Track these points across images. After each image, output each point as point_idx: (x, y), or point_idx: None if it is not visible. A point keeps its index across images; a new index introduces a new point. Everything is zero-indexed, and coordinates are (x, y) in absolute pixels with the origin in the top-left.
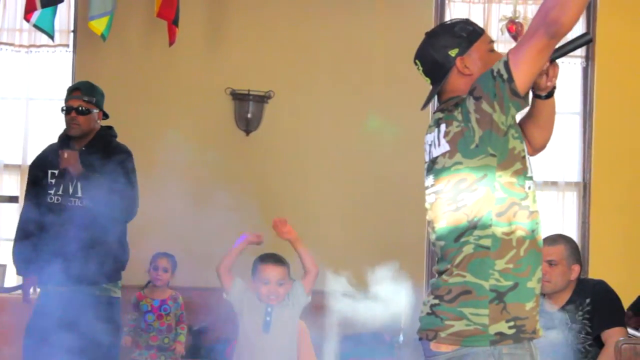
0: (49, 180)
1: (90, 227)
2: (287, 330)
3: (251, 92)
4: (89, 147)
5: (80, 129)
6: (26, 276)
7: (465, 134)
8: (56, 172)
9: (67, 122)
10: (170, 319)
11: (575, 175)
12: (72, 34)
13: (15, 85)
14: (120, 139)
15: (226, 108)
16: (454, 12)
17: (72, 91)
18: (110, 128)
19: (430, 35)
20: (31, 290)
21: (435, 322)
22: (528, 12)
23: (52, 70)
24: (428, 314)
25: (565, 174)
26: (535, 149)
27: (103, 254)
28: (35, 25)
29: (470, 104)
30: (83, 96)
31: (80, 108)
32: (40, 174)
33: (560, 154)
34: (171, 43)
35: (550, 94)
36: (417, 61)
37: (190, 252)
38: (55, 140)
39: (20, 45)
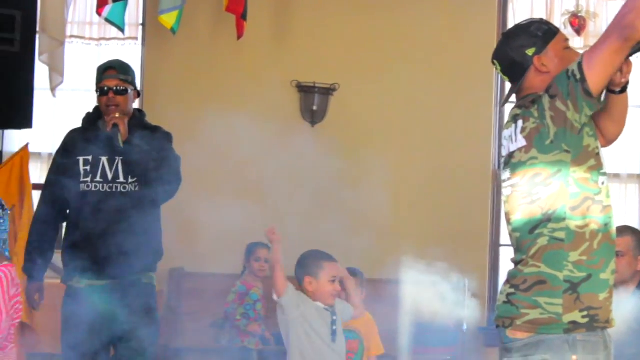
0: (82, 167)
1: (132, 213)
2: (343, 337)
3: (317, 85)
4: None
5: (119, 110)
6: (32, 280)
7: (541, 131)
8: (89, 158)
9: (104, 104)
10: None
11: (638, 168)
12: (141, 28)
13: (86, 77)
14: (187, 131)
15: (292, 100)
16: (516, 7)
17: (105, 70)
18: (141, 111)
19: (508, 36)
20: (36, 296)
21: (511, 310)
22: (590, 6)
23: None
24: (504, 302)
25: (628, 166)
26: (608, 141)
27: (145, 241)
28: (106, 19)
29: (546, 101)
30: (119, 75)
31: (117, 88)
32: (69, 162)
33: (623, 147)
34: (239, 36)
35: (623, 89)
36: (495, 61)
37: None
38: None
39: (91, 38)
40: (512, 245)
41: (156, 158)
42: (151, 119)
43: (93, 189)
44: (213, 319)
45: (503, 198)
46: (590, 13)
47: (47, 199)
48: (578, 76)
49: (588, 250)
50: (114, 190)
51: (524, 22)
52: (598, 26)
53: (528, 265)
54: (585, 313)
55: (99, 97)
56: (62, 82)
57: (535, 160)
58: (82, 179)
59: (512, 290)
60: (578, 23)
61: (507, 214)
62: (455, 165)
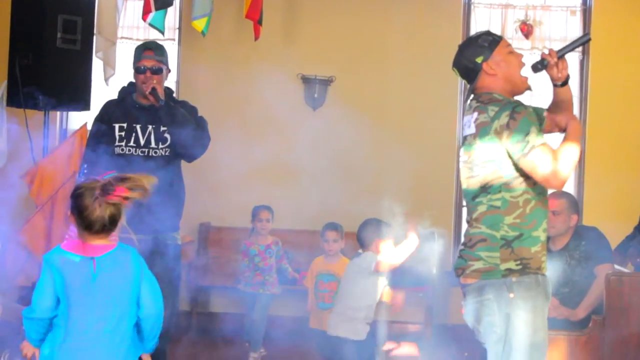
0: (117, 133)
1: (161, 176)
2: None
3: (317, 77)
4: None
5: (154, 86)
6: None
7: (487, 126)
8: (124, 124)
9: (141, 81)
10: (272, 260)
11: None
12: (177, 30)
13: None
14: (214, 114)
15: (297, 89)
16: (478, 16)
17: (144, 50)
18: (169, 88)
19: (461, 48)
20: None
21: (462, 263)
22: (537, 15)
23: None
24: (458, 257)
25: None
26: (562, 130)
27: (175, 203)
28: (150, 24)
29: (504, 119)
30: (155, 55)
31: (154, 67)
32: (105, 127)
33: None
34: (256, 38)
35: (565, 82)
36: (454, 68)
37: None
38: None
39: (137, 39)
40: (466, 206)
41: (189, 119)
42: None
43: (127, 152)
44: (233, 264)
45: (460, 170)
46: (536, 21)
47: (87, 159)
48: (521, 152)
49: (521, 214)
50: (146, 154)
51: (473, 35)
52: (542, 31)
53: (472, 226)
54: (518, 262)
55: (136, 74)
56: (113, 74)
57: (477, 147)
58: (117, 143)
59: (462, 247)
60: (526, 29)
61: (461, 184)
62: (429, 142)
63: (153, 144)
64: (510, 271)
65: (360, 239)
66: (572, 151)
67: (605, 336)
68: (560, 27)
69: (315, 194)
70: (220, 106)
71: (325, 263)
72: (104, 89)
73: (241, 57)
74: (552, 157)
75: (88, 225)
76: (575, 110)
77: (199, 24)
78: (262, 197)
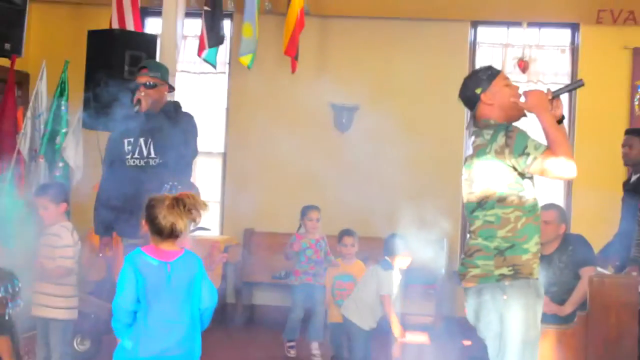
0: (125, 147)
1: (153, 182)
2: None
3: (345, 105)
4: (158, 112)
5: (150, 100)
6: (103, 235)
7: (485, 148)
8: (131, 139)
9: (137, 96)
10: (321, 254)
11: None
12: (227, 65)
13: (191, 98)
14: (256, 137)
15: (328, 115)
16: (482, 53)
17: (140, 69)
18: (176, 102)
19: (465, 80)
20: (107, 248)
21: (462, 270)
22: (532, 53)
23: (214, 88)
24: (460, 264)
25: None
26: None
27: None
28: (204, 59)
29: (501, 139)
30: (150, 72)
31: (147, 83)
32: (115, 142)
33: None
34: (293, 71)
35: (560, 122)
36: (459, 97)
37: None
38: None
39: (194, 72)
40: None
41: (172, 132)
42: (234, 127)
43: (130, 164)
44: (273, 264)
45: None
46: (531, 58)
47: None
48: (528, 162)
49: (512, 229)
50: (142, 164)
51: (476, 69)
52: (537, 66)
53: (471, 238)
54: (510, 268)
55: (136, 92)
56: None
57: (476, 166)
58: (125, 156)
59: (463, 256)
60: (523, 65)
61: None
62: (440, 161)
63: (144, 154)
64: (503, 276)
65: (389, 247)
66: (562, 142)
67: (589, 330)
68: (552, 63)
69: (340, 203)
70: (262, 128)
71: (343, 265)
72: None
73: (281, 87)
74: (554, 158)
75: (159, 231)
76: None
77: (245, 60)
78: (296, 206)
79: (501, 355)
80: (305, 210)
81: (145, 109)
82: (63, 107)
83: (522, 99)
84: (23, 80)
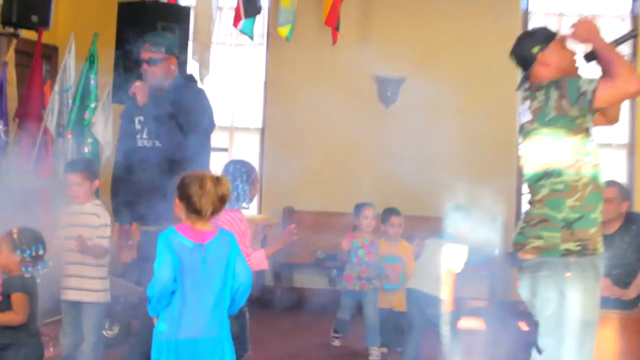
0: (136, 126)
1: (165, 166)
2: None
3: (390, 77)
4: (166, 92)
5: (154, 78)
6: (122, 223)
7: (543, 109)
8: (142, 118)
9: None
10: (375, 256)
11: (624, 138)
12: (265, 36)
13: (226, 72)
14: (295, 112)
15: (371, 88)
16: (535, 23)
17: (142, 44)
18: (189, 75)
19: (520, 38)
20: (125, 237)
21: (521, 239)
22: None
23: (251, 61)
24: (518, 233)
25: (616, 137)
26: (610, 121)
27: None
28: (241, 30)
29: (554, 94)
30: (151, 47)
31: (150, 59)
32: (126, 121)
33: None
34: (334, 42)
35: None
36: (511, 56)
37: None
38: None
39: (230, 44)
40: (528, 189)
41: (177, 113)
42: (272, 102)
43: (140, 145)
44: (314, 245)
45: (520, 155)
46: None
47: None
48: (589, 98)
49: (580, 197)
50: (145, 145)
51: (532, 29)
52: None
53: (535, 207)
54: (578, 243)
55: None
56: (207, 74)
57: (537, 131)
58: (135, 136)
59: (524, 225)
60: None
61: (522, 168)
62: (492, 133)
63: (145, 135)
64: (569, 251)
65: (453, 218)
66: (620, 61)
67: None
68: (610, 33)
69: (384, 181)
70: (302, 102)
71: (388, 246)
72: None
73: (321, 60)
74: (615, 79)
75: (195, 210)
76: (625, 103)
77: (284, 31)
78: (337, 184)
79: (558, 337)
80: (359, 208)
81: (142, 102)
82: (92, 81)
83: (571, 32)
84: (51, 54)
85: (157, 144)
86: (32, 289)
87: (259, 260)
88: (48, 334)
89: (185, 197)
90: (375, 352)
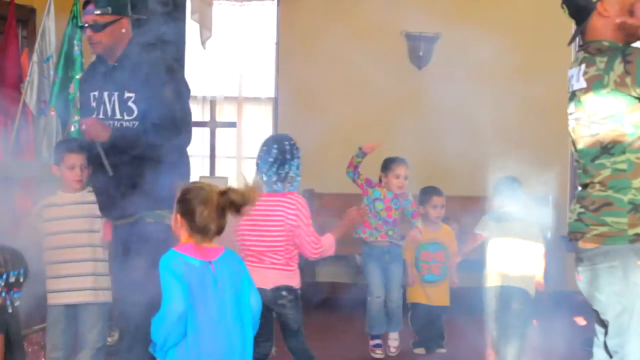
0: (91, 103)
1: (135, 148)
2: None
3: (422, 34)
4: (121, 60)
5: (102, 46)
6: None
7: (601, 79)
8: (96, 93)
9: (87, 40)
10: (397, 214)
11: None
12: None
13: (231, 32)
14: (312, 75)
15: (401, 47)
16: None
17: (85, 4)
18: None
19: None
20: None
21: (581, 227)
22: None
23: (261, 20)
24: (576, 220)
25: None
26: None
27: (153, 179)
28: None
29: (619, 67)
30: (95, 9)
31: (95, 24)
32: (84, 97)
33: None
34: None
35: None
36: (563, 5)
37: None
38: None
39: (235, 1)
40: (579, 167)
41: (153, 104)
42: (285, 67)
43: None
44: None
45: (570, 127)
46: None
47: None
48: None
49: None
50: (113, 125)
51: None
52: None
53: (596, 189)
54: None
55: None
56: (210, 36)
57: (593, 103)
58: (92, 115)
59: (582, 210)
60: None
61: (573, 142)
62: (540, 101)
63: (118, 115)
64: (638, 236)
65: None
66: None
67: None
68: None
69: (417, 155)
70: (320, 68)
71: (428, 231)
72: (201, 52)
73: (342, 17)
74: None
75: (200, 230)
76: None
77: None
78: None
79: (624, 335)
80: (388, 164)
81: (105, 139)
82: (76, 48)
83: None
84: (28, 17)
85: (116, 124)
86: (6, 323)
87: (330, 244)
88: (38, 342)
89: (186, 214)
90: (394, 336)
